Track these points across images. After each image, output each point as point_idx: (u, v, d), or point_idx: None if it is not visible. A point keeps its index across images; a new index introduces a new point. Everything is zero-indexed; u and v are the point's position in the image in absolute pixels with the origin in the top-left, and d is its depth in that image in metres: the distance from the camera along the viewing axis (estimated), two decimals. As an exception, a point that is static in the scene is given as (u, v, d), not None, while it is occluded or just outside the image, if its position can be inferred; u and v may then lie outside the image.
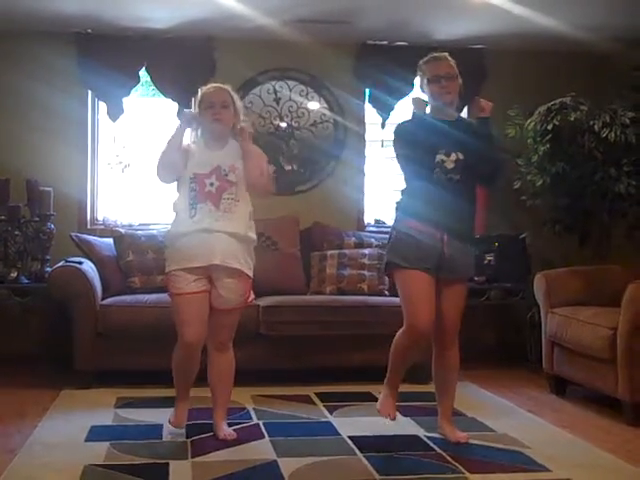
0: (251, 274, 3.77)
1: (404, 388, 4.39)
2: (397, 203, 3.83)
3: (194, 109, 3.82)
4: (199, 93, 3.82)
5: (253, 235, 3.77)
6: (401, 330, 3.74)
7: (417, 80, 3.83)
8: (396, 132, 3.80)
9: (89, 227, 5.82)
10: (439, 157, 3.62)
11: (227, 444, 3.69)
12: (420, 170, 3.67)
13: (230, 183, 3.69)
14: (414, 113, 3.89)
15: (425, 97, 3.79)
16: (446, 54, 3.76)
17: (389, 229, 3.90)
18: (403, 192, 3.81)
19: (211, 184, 3.67)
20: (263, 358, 4.98)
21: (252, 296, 3.85)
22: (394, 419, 3.82)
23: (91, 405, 4.41)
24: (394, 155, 3.81)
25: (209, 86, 3.81)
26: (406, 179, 3.79)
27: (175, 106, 5.80)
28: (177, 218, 3.75)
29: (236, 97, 3.80)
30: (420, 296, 3.66)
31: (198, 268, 3.65)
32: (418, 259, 3.64)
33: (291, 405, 4.48)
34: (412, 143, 3.67)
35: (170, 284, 3.72)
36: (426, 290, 3.67)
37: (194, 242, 3.65)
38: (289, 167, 6.08)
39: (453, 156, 3.63)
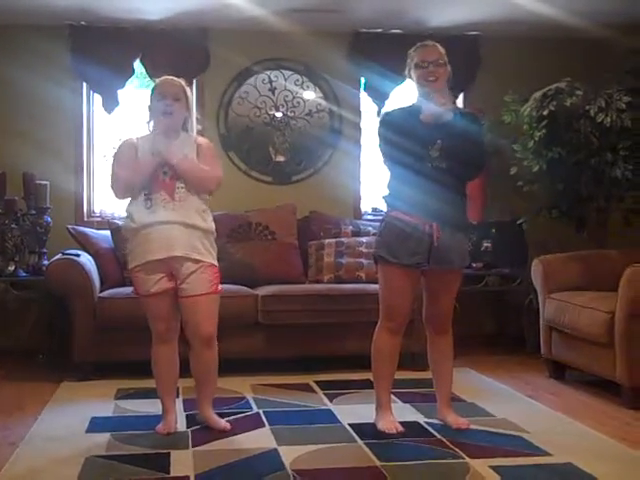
0: (215, 262, 3.72)
1: (403, 375, 4.40)
2: (384, 193, 3.79)
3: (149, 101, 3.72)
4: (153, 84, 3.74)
5: (210, 225, 3.72)
6: (377, 327, 3.76)
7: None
8: (383, 119, 3.77)
9: (86, 219, 5.82)
10: (424, 145, 3.58)
11: (227, 433, 3.69)
12: (405, 159, 3.61)
13: None
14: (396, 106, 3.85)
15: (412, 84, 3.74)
16: (436, 43, 3.71)
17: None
18: (389, 182, 3.76)
19: (164, 173, 3.64)
20: (262, 347, 5.01)
21: (220, 287, 3.74)
22: (403, 430, 3.69)
23: (91, 397, 4.41)
24: (378, 143, 3.73)
25: (163, 78, 3.75)
26: (390, 169, 3.74)
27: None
28: (133, 210, 3.68)
29: (188, 91, 3.73)
30: (398, 297, 3.68)
31: (159, 262, 3.61)
32: (406, 253, 3.61)
33: (291, 394, 4.48)
34: (398, 131, 3.62)
35: (135, 284, 3.72)
36: (406, 290, 3.68)
37: (153, 235, 3.60)
38: (285, 157, 6.08)
39: (438, 144, 3.58)
